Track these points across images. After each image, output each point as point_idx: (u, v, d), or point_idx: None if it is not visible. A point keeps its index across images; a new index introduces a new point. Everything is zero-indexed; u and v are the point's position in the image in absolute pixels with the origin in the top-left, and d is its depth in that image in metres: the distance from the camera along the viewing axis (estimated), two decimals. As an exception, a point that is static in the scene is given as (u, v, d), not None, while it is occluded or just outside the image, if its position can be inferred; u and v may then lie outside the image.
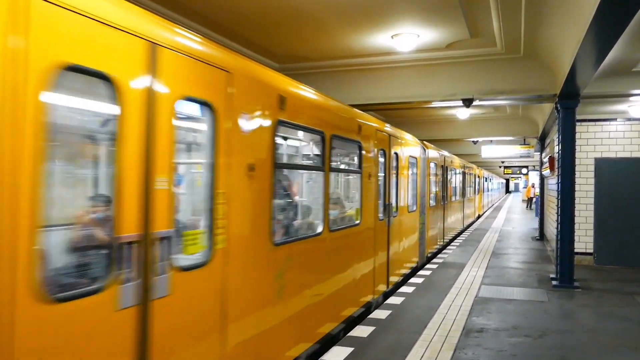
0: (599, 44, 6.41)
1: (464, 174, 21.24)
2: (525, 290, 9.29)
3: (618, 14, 5.38)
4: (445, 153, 16.09)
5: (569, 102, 9.66)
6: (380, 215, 8.25)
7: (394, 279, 9.17)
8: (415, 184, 11.30)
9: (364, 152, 7.34)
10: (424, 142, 12.56)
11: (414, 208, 11.06)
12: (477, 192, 28.59)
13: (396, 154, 9.28)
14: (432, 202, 13.19)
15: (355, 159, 7.54)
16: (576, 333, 6.78)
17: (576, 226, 10.21)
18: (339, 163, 8.13)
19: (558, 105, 9.83)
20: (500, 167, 42.87)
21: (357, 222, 7.22)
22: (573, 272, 9.67)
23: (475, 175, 27.36)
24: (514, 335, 6.53)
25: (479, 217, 28.80)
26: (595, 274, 11.00)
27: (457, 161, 19.24)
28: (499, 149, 22.53)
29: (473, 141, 22.97)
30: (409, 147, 10.45)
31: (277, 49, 9.92)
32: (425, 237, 12.10)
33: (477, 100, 10.51)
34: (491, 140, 22.56)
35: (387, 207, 8.60)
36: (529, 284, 9.82)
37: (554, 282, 9.77)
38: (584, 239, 12.05)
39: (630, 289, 9.59)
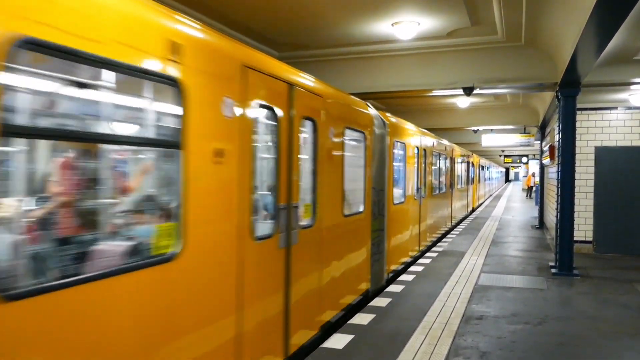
0: (601, 33, 6.40)
1: (452, 160, 17.46)
2: (524, 278, 9.34)
3: (619, 2, 5.37)
4: (425, 133, 12.64)
5: (570, 91, 9.64)
6: (264, 229, 4.62)
7: (300, 339, 5.31)
8: (361, 174, 7.52)
9: (195, 106, 3.52)
10: (386, 113, 9.18)
11: (360, 209, 7.42)
12: (471, 182, 24.43)
13: (312, 120, 5.57)
14: (400, 198, 9.73)
15: (166, 119, 3.66)
16: (575, 320, 6.83)
17: (576, 214, 10.23)
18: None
19: (559, 94, 9.82)
20: (500, 155, 42.85)
21: (169, 252, 3.34)
22: (572, 260, 9.71)
23: (469, 163, 23.54)
24: (514, 323, 6.58)
25: (473, 210, 25.16)
26: (594, 262, 11.05)
27: (443, 145, 15.41)
28: (500, 138, 22.48)
29: (473, 130, 22.93)
30: (344, 113, 6.78)
31: (277, 37, 9.89)
32: (384, 250, 8.71)
33: (478, 89, 10.48)
34: (491, 129, 22.52)
35: (282, 212, 4.81)
36: (528, 272, 9.86)
37: (553, 270, 9.81)
38: (583, 227, 12.09)
39: (629, 276, 9.64)
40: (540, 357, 5.45)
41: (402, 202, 9.92)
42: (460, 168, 19.94)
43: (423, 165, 11.85)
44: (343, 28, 9.22)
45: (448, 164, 16.52)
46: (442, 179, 15.37)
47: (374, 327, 6.25)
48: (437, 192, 14.19)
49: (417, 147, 11.28)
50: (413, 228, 10.93)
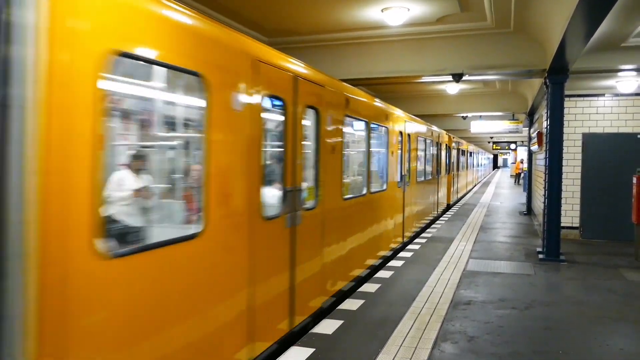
0: (589, 19, 6.42)
1: (407, 139, 11.29)
2: (512, 263, 9.42)
3: (608, -12, 5.38)
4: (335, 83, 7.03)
5: (558, 77, 9.68)
6: None
7: None
8: None
9: None
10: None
11: None
12: (446, 172, 18.81)
13: None
14: (269, 211, 4.90)
15: None
16: (562, 305, 6.91)
17: (563, 201, 10.31)
18: None
19: (547, 81, 9.85)
20: (489, 142, 43.09)
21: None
22: (559, 246, 9.81)
23: (443, 146, 17.72)
24: (501, 308, 6.65)
25: (448, 207, 19.58)
26: (581, 248, 11.17)
27: (378, 111, 9.24)
28: (488, 125, 22.60)
29: (462, 116, 23.03)
30: None
31: (266, 23, 9.82)
32: None
33: (467, 75, 10.50)
34: (480, 116, 22.62)
35: None
36: (516, 258, 9.96)
37: (540, 256, 9.91)
38: (570, 214, 12.20)
39: (615, 262, 9.76)
40: (527, 341, 5.51)
41: (273, 219, 4.96)
42: (427, 153, 14.70)
43: (314, 144, 6.16)
44: (333, 13, 9.16)
45: (399, 147, 10.69)
46: (391, 169, 9.97)
47: (363, 313, 6.29)
48: (362, 192, 8.40)
49: (316, 109, 6.01)
50: (314, 262, 5.88)
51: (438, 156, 16.77)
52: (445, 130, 19.79)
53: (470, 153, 33.50)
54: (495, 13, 8.96)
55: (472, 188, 33.53)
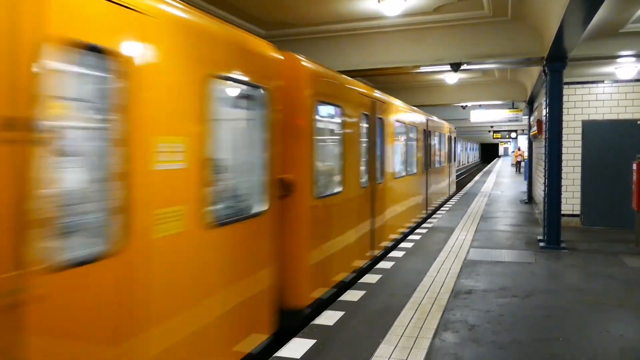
0: (586, 5, 6.39)
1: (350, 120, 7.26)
2: (513, 252, 9.44)
3: (605, -26, 5.35)
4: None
5: (557, 65, 9.65)
6: None
7: None
8: None
9: None
10: None
11: None
12: (423, 165, 13.09)
13: None
14: None
15: None
16: (562, 292, 6.93)
17: (563, 188, 10.32)
18: None
19: (546, 68, 9.82)
20: (489, 131, 42.98)
21: None
22: (560, 234, 9.82)
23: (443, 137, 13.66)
24: (502, 296, 6.67)
25: (439, 207, 16.25)
26: (581, 235, 11.18)
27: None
28: (488, 114, 22.56)
29: (462, 106, 22.97)
30: None
31: (263, 16, 9.79)
32: None
33: (465, 65, 10.48)
34: (480, 105, 22.57)
35: None
36: (517, 246, 9.97)
37: (541, 244, 9.93)
38: (571, 201, 12.20)
39: (615, 249, 9.77)
40: (527, 329, 5.54)
41: None
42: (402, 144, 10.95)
43: None
44: (330, 5, 9.14)
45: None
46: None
47: (365, 304, 6.32)
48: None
49: None
50: None
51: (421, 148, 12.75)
52: (445, 120, 19.68)
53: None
54: (492, 1, 8.93)
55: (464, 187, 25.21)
